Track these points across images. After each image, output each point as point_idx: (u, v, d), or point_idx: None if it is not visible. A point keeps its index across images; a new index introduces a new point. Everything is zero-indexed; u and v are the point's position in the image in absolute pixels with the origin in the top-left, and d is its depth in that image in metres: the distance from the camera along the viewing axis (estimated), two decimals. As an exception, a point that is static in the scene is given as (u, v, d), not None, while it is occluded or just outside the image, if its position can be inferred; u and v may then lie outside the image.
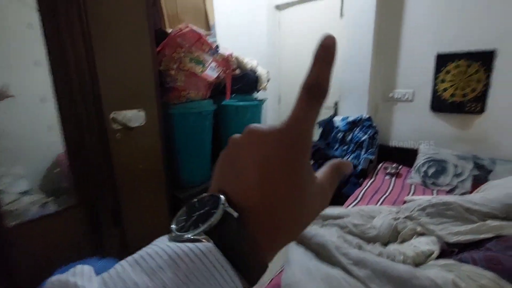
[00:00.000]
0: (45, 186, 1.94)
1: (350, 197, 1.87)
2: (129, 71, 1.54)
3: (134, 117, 1.58)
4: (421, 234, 1.20)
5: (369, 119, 2.35)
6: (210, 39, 1.94)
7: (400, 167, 2.29)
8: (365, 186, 2.01)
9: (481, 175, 1.95)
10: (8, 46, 1.45)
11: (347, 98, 2.52)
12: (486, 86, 2.03)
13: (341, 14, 2.56)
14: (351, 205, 1.75)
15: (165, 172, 1.77)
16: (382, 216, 1.32)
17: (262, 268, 0.19)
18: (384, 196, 1.88)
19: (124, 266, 0.17)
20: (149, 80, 1.62)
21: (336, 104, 2.70)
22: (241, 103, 2.15)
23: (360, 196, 1.87)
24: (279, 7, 2.99)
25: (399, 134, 2.49)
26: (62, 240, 1.45)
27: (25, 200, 1.86)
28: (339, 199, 2.03)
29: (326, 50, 0.20)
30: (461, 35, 2.06)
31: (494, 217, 1.16)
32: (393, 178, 2.18)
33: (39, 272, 1.04)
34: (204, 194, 0.21)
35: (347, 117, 2.43)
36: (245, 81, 2.16)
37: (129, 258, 0.17)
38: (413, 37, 2.26)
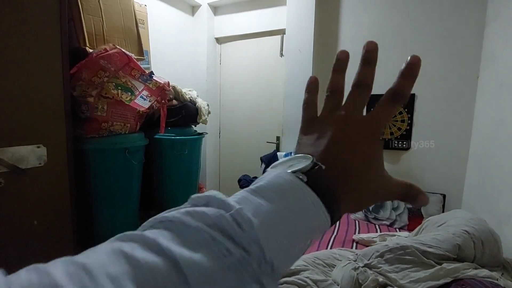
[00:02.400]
0: None
1: (300, 240, 1.72)
2: (25, 95, 1.17)
3: (29, 155, 1.18)
4: (384, 286, 1.09)
5: (311, 155, 2.34)
6: (142, 65, 1.69)
7: (343, 203, 2.29)
8: (313, 226, 1.91)
9: (414, 208, 2.05)
10: None
11: (289, 134, 2.49)
12: (410, 125, 2.24)
13: (281, 54, 2.62)
14: (303, 250, 1.60)
15: (74, 227, 1.35)
16: (341, 266, 1.18)
17: (340, 213, 0.24)
18: (333, 235, 1.79)
19: (245, 194, 0.22)
20: (55, 108, 1.27)
21: (278, 139, 2.65)
22: (178, 137, 1.89)
23: (310, 238, 1.74)
24: (219, 40, 2.94)
25: (339, 169, 2.54)
26: None
27: None
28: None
29: (411, 68, 0.27)
30: (388, 80, 2.27)
31: (448, 258, 1.14)
32: (338, 215, 2.15)
33: None
34: (297, 155, 0.27)
35: (291, 153, 2.37)
36: (183, 113, 1.94)
37: (247, 189, 0.23)
38: (348, 79, 2.40)
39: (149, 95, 1.56)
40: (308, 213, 0.22)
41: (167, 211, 0.21)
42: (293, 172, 0.23)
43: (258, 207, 0.21)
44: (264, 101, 2.77)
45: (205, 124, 2.25)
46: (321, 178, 0.23)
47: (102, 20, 1.65)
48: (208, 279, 0.17)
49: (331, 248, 1.60)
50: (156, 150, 1.86)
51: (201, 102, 2.17)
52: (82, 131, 1.40)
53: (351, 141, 0.26)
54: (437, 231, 1.34)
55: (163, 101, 1.68)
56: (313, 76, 0.32)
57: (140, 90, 1.52)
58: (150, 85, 1.58)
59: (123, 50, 1.50)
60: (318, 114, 0.30)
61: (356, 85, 0.28)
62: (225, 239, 0.19)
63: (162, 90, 1.64)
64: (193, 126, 2.20)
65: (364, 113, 0.28)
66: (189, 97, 2.09)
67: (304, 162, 0.24)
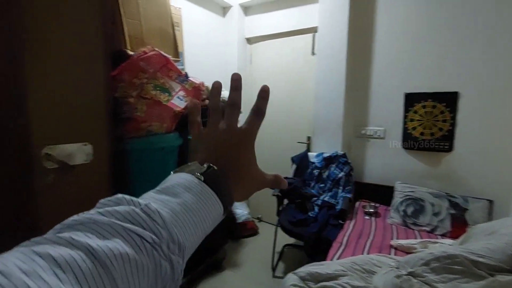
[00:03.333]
0: None
1: (334, 244, 1.67)
2: (73, 96, 1.24)
3: (77, 152, 1.25)
4: (431, 296, 1.02)
5: (344, 155, 2.27)
6: (177, 66, 1.73)
7: (377, 205, 2.20)
8: (347, 230, 1.84)
9: (458, 214, 1.92)
10: None
11: (320, 134, 2.44)
12: (453, 125, 2.10)
13: (313, 52, 2.57)
14: (337, 254, 1.55)
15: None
16: (382, 273, 1.13)
17: (232, 204, 0.31)
18: (369, 240, 1.72)
19: (151, 194, 0.26)
20: (99, 108, 1.33)
21: (309, 139, 2.60)
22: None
23: (344, 242, 1.69)
24: (250, 41, 2.95)
25: (373, 171, 2.44)
26: None
27: None
28: (320, 244, 1.82)
29: (264, 93, 0.35)
30: (427, 77, 2.15)
31: (501, 270, 1.05)
32: (373, 218, 2.06)
33: None
34: (193, 162, 0.32)
35: (323, 153, 2.32)
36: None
37: (153, 190, 0.27)
38: (383, 77, 2.32)
39: (185, 95, 1.59)
40: (206, 203, 0.27)
41: (75, 215, 0.21)
42: (192, 173, 0.28)
43: (164, 201, 0.25)
44: (295, 101, 2.74)
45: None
46: (215, 176, 0.29)
47: (141, 23, 1.71)
48: (124, 262, 0.19)
49: (368, 253, 1.53)
50: (188, 150, 1.90)
51: (232, 102, 2.18)
52: (123, 131, 1.47)
53: (233, 146, 0.33)
54: (487, 240, 1.24)
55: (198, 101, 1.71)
56: (193, 102, 0.40)
57: (177, 91, 1.56)
58: (186, 86, 1.62)
59: (161, 52, 1.54)
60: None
61: (229, 105, 0.35)
62: (137, 228, 0.21)
63: (197, 90, 1.67)
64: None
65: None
66: (221, 98, 2.11)
67: (199, 166, 0.30)
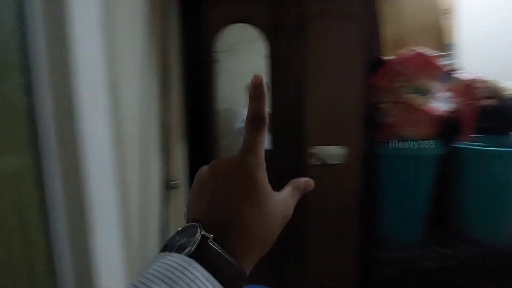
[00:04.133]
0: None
1: None
2: (335, 103, 1.46)
3: (334, 153, 1.46)
4: None
5: None
6: (445, 62, 1.47)
7: None
8: None
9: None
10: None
11: None
12: None
13: None
14: None
15: (360, 222, 1.49)
16: None
17: (243, 278, 0.22)
18: None
19: None
20: (355, 114, 1.46)
21: None
22: (487, 147, 1.45)
23: None
24: None
25: None
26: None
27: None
28: None
29: (256, 88, 0.24)
30: None
31: None
32: None
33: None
34: (183, 227, 0.24)
35: None
36: (502, 116, 1.44)
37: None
38: None
39: (451, 96, 1.32)
40: None
41: None
42: (180, 251, 0.21)
43: None
44: None
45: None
46: (212, 249, 0.21)
47: (400, 24, 1.64)
48: None
49: None
50: (454, 161, 1.55)
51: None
52: (377, 136, 1.50)
53: (226, 191, 0.24)
54: None
55: (468, 102, 1.36)
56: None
57: (438, 91, 1.33)
58: (453, 84, 1.34)
59: (421, 50, 1.39)
60: None
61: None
62: None
63: (468, 88, 1.33)
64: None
65: None
66: (512, 94, 1.51)
67: (191, 234, 0.22)
